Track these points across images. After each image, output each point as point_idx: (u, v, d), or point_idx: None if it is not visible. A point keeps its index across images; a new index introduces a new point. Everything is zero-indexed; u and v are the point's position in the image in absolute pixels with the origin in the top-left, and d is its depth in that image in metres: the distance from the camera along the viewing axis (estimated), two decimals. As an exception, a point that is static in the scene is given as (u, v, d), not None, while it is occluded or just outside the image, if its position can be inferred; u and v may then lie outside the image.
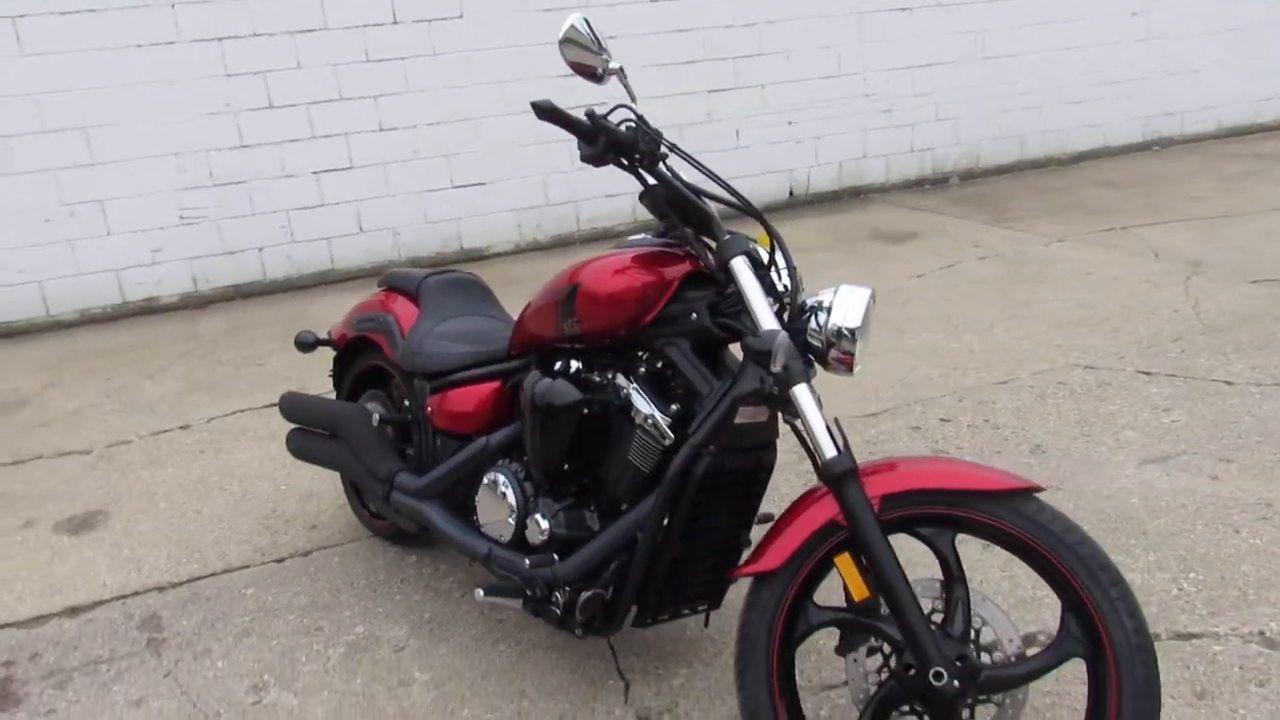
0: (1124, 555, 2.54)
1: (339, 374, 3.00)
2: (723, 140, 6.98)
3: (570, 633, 2.09)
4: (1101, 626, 1.63)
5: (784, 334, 1.77)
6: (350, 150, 6.12)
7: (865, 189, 7.52)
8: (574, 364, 2.18)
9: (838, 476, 1.71)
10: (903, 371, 3.94)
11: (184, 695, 2.36)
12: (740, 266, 1.87)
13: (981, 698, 1.71)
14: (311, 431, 2.83)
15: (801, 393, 1.78)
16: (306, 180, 6.08)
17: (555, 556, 2.10)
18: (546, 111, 1.89)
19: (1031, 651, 1.83)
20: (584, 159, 1.96)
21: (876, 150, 7.47)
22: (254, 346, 5.07)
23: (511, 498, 2.21)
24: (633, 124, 1.92)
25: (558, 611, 2.06)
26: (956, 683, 1.62)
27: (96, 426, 4.13)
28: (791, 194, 7.33)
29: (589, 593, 2.00)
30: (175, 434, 3.96)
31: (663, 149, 1.96)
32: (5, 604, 2.84)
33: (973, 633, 1.78)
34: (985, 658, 1.78)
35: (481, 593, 2.08)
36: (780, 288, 1.95)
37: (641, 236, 2.19)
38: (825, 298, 1.89)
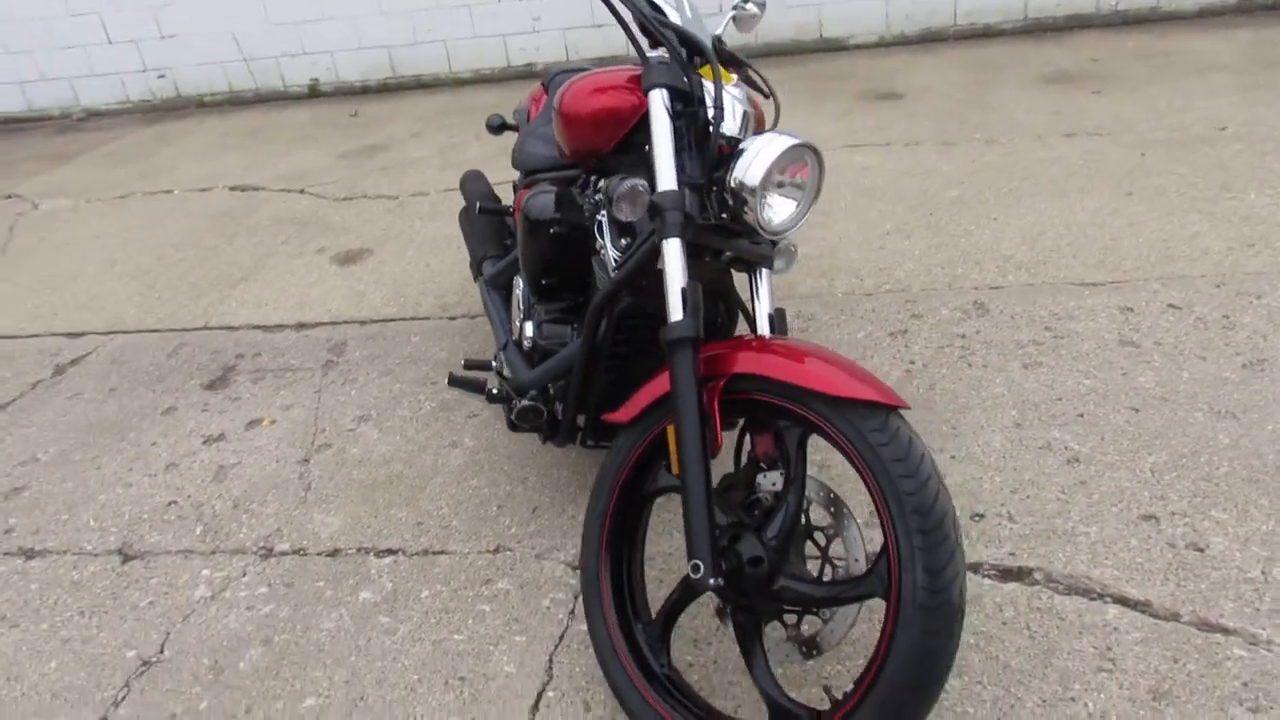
0: None
1: None
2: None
3: (524, 433, 2.21)
4: (894, 572, 1.40)
5: (629, 181, 1.63)
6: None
7: None
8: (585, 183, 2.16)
9: (669, 343, 1.59)
10: (1175, 234, 3.18)
11: (315, 410, 2.90)
12: (655, 101, 1.71)
13: (805, 610, 1.58)
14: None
15: (669, 248, 1.64)
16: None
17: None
18: None
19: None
20: None
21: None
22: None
23: (519, 302, 2.32)
24: None
25: (510, 416, 2.18)
26: (715, 580, 1.51)
27: (416, 177, 4.82)
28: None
29: (527, 402, 2.10)
30: (456, 194, 4.50)
31: None
32: (264, 309, 3.60)
33: (818, 543, 1.62)
34: (831, 571, 1.62)
35: (449, 378, 2.26)
36: (733, 128, 1.75)
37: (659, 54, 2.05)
38: (747, 146, 1.67)
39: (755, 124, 1.92)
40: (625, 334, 1.91)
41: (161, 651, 2.05)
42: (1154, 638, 1.75)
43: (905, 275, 3.16)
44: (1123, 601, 1.83)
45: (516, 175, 2.67)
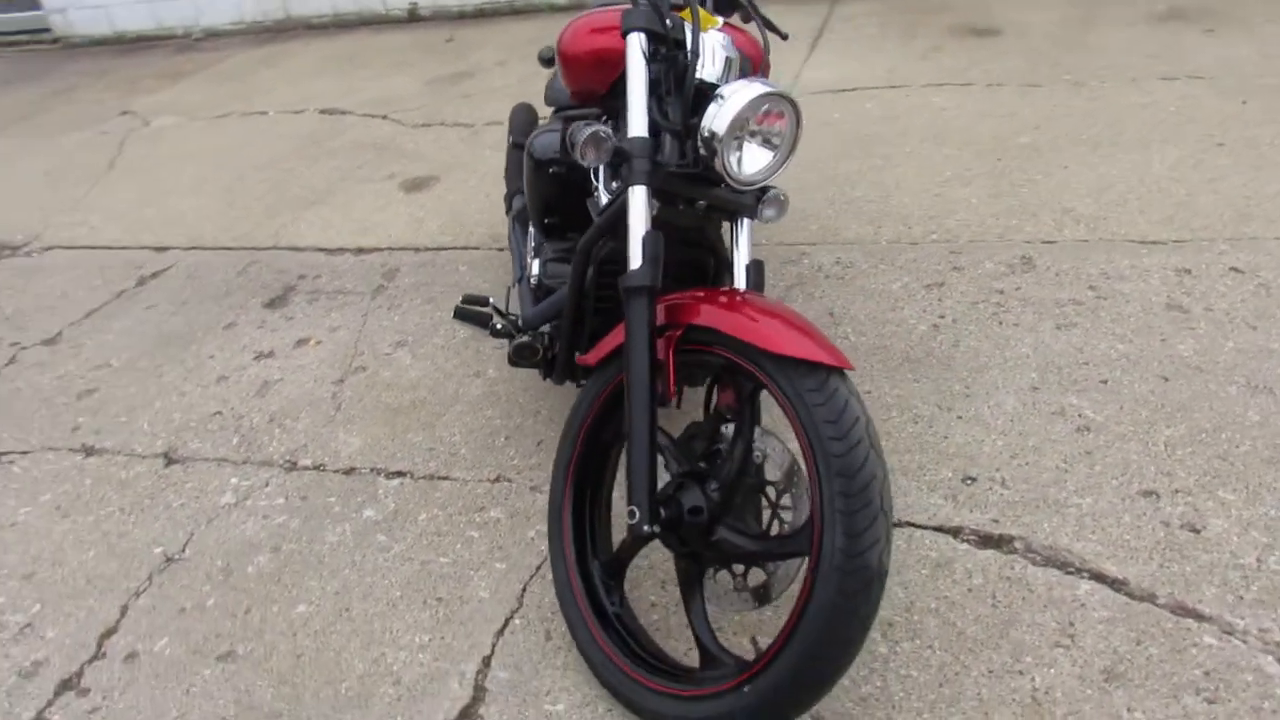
0: None
1: None
2: None
3: (524, 368, 2.26)
4: (817, 532, 1.41)
5: (590, 126, 1.62)
6: None
7: None
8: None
9: (624, 290, 1.61)
10: (1258, 192, 2.96)
11: (359, 333, 3.03)
12: (631, 45, 1.69)
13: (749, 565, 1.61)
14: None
15: (633, 196, 1.64)
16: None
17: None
18: None
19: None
20: None
21: None
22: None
23: (531, 241, 2.36)
24: None
25: (509, 351, 2.23)
26: (649, 527, 1.54)
27: (494, 105, 4.86)
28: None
29: (524, 339, 2.15)
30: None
31: None
32: (330, 232, 3.75)
33: (769, 498, 1.63)
34: (779, 526, 1.64)
35: (454, 311, 2.32)
36: (712, 74, 1.73)
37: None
38: (723, 92, 1.64)
39: (753, 69, 1.87)
40: (609, 278, 1.92)
41: (184, 550, 2.22)
42: (1122, 618, 1.70)
43: (956, 225, 3.05)
44: (1099, 578, 1.78)
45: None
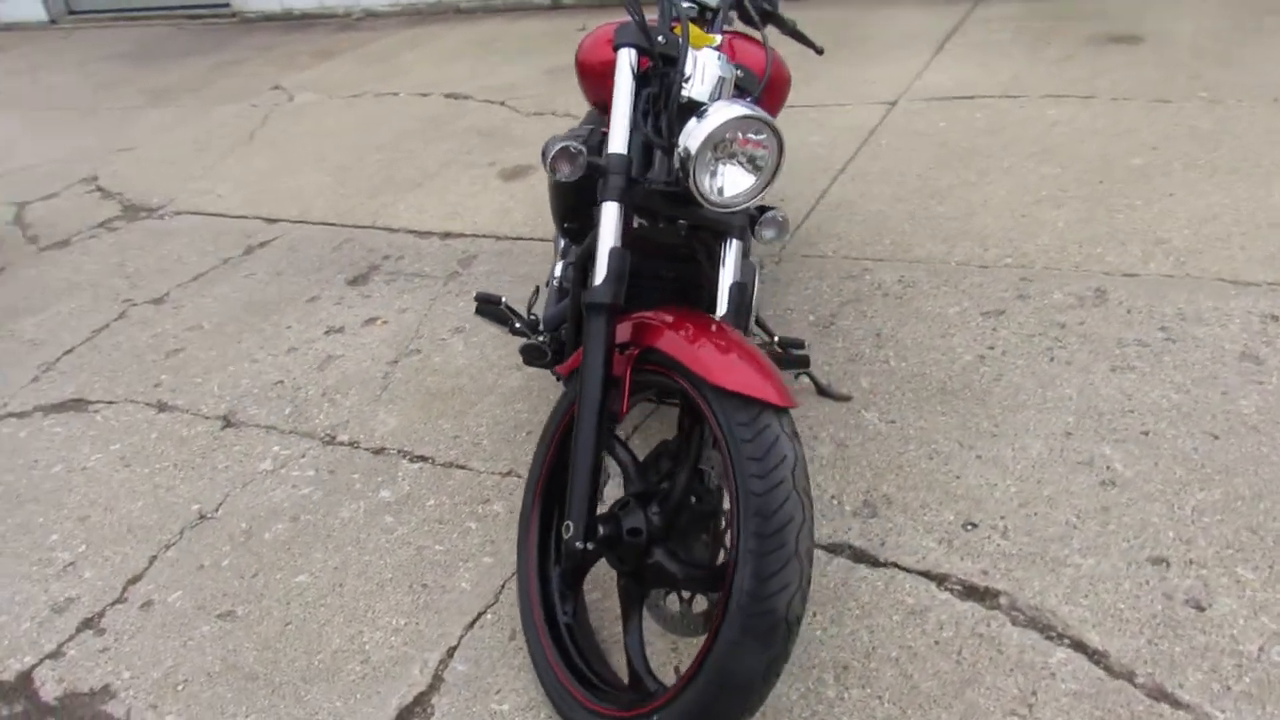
0: None
1: None
2: None
3: (536, 369, 2.30)
4: (730, 570, 1.39)
5: (561, 141, 1.62)
6: None
7: None
8: None
9: (586, 305, 1.61)
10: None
11: (423, 317, 3.14)
12: (620, 60, 1.69)
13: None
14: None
15: (605, 212, 1.65)
16: None
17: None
18: None
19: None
20: None
21: None
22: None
23: (560, 244, 2.39)
24: None
25: (520, 351, 2.27)
26: (582, 544, 1.55)
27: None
28: None
29: (530, 341, 2.18)
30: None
31: None
32: (423, 215, 3.89)
33: (717, 526, 1.61)
34: (723, 556, 1.62)
35: (475, 308, 2.37)
36: (701, 92, 1.71)
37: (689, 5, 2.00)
38: (705, 111, 1.62)
39: (766, 86, 1.83)
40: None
41: (216, 510, 2.38)
42: (1091, 693, 1.59)
43: (1034, 249, 2.89)
44: (1078, 646, 1.67)
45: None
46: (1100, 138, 3.52)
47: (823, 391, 2.41)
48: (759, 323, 2.39)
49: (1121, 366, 2.33)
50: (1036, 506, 1.97)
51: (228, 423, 2.73)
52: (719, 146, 1.61)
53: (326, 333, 3.13)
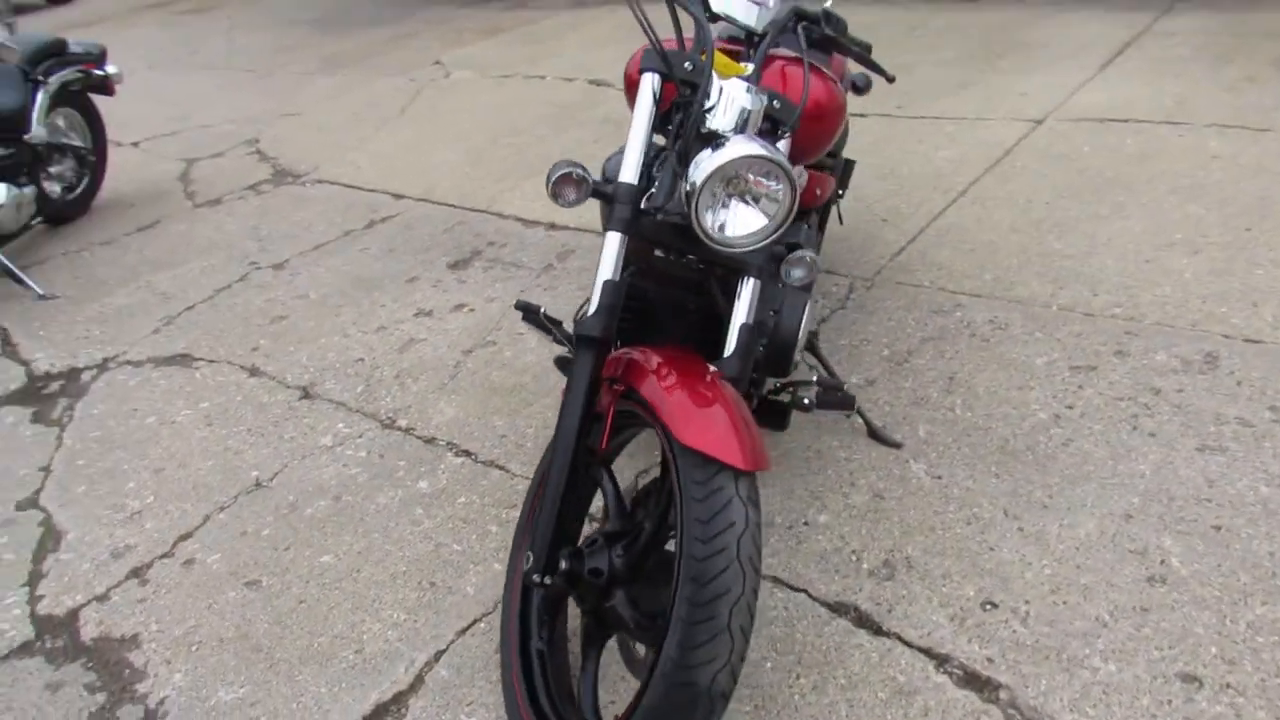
0: None
1: None
2: None
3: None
4: (663, 633, 1.34)
5: (564, 166, 1.58)
6: None
7: None
8: None
9: (576, 336, 1.58)
10: None
11: (507, 309, 3.18)
12: (643, 85, 1.64)
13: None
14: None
15: (607, 241, 1.61)
16: None
17: None
18: None
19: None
20: None
21: None
22: (935, 49, 5.02)
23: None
24: None
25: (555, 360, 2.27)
26: (540, 577, 1.53)
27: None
28: None
29: (563, 354, 2.17)
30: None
31: None
32: (534, 205, 3.94)
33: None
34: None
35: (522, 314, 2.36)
36: (723, 123, 1.64)
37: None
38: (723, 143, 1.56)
39: (811, 115, 1.74)
40: (629, 314, 1.90)
41: (272, 480, 2.50)
42: (1070, 817, 1.44)
43: (1150, 300, 2.63)
44: (1071, 762, 1.52)
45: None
46: (1265, 178, 3.16)
47: (874, 434, 2.29)
48: (815, 354, 2.28)
49: (1212, 447, 2.09)
50: (1068, 594, 1.80)
51: (305, 394, 2.85)
52: (731, 183, 1.53)
53: (416, 315, 3.22)
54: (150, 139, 5.63)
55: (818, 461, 2.25)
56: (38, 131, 3.94)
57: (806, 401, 2.14)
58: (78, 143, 4.37)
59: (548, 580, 1.52)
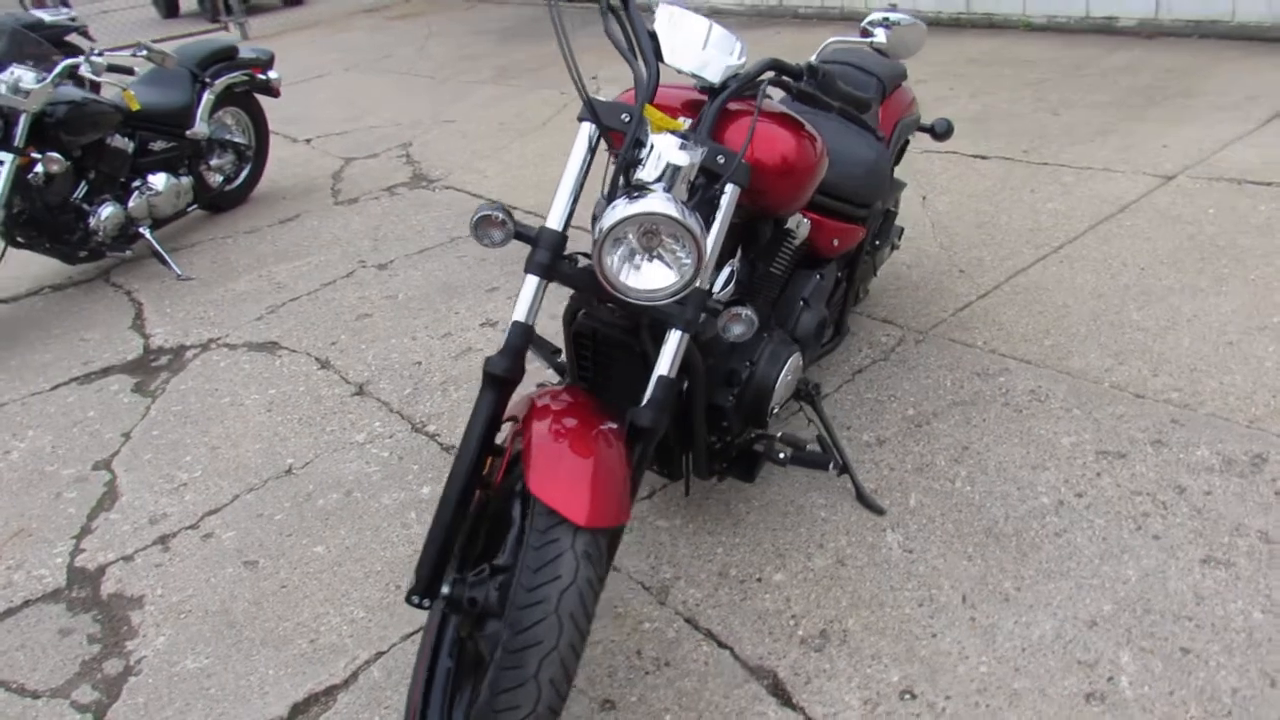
0: None
1: None
2: None
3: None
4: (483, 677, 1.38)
5: (485, 210, 1.63)
6: None
7: None
8: None
9: (484, 374, 1.64)
10: None
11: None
12: (579, 135, 1.69)
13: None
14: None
15: (525, 283, 1.67)
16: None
17: None
18: None
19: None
20: None
21: None
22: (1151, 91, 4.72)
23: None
24: None
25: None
26: (417, 599, 1.60)
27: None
28: None
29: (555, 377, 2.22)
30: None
31: None
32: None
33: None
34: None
35: None
36: (650, 174, 1.66)
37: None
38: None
39: (777, 172, 1.75)
40: (586, 351, 1.94)
41: (301, 469, 2.69)
42: None
43: (1213, 388, 2.40)
44: None
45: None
46: (1401, 261, 2.80)
47: (861, 497, 2.22)
48: (815, 408, 2.22)
49: (1218, 559, 1.89)
50: (994, 698, 1.69)
51: (360, 391, 3.05)
52: (648, 236, 1.55)
53: (482, 324, 3.36)
54: (321, 137, 6.10)
55: (795, 517, 2.20)
56: (200, 128, 4.37)
57: (781, 456, 2.11)
58: (239, 139, 4.81)
59: (425, 603, 1.58)
